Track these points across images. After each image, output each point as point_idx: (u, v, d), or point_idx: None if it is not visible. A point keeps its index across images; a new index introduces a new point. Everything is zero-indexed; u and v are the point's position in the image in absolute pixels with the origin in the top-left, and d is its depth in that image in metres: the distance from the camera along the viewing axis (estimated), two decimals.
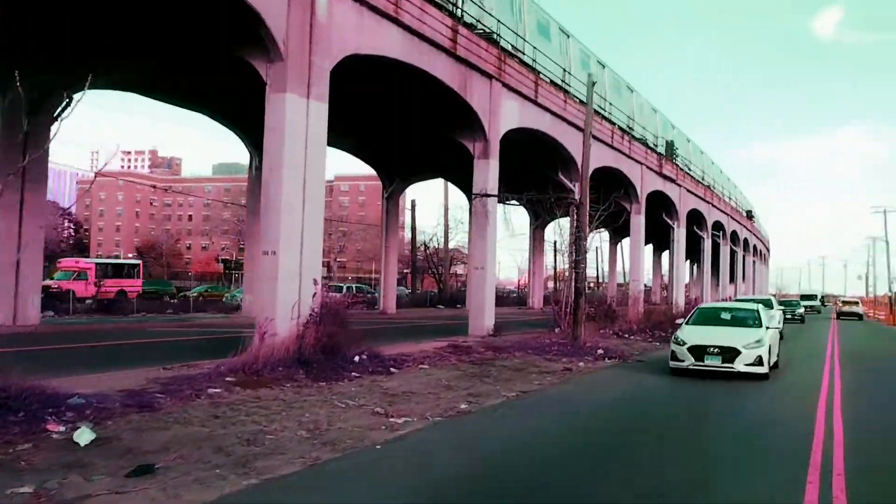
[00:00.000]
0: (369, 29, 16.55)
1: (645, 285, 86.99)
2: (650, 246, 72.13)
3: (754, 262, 76.82)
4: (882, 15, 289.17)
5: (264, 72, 14.19)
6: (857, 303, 66.02)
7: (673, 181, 40.64)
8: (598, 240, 71.77)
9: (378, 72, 19.11)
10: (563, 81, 27.53)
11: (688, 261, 74.48)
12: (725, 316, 16.43)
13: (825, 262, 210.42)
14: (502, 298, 66.55)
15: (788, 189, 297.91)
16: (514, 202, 37.09)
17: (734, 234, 61.11)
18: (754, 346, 14.24)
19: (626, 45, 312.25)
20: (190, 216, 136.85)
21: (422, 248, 63.62)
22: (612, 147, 31.48)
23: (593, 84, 21.29)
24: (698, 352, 14.25)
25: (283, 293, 13.64)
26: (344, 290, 52.29)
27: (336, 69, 15.57)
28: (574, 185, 28.65)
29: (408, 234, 62.85)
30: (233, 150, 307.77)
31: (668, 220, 42.43)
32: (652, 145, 37.84)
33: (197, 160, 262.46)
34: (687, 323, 16.52)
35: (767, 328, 15.37)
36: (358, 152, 36.21)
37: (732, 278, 69.18)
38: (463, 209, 49.67)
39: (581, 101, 26.81)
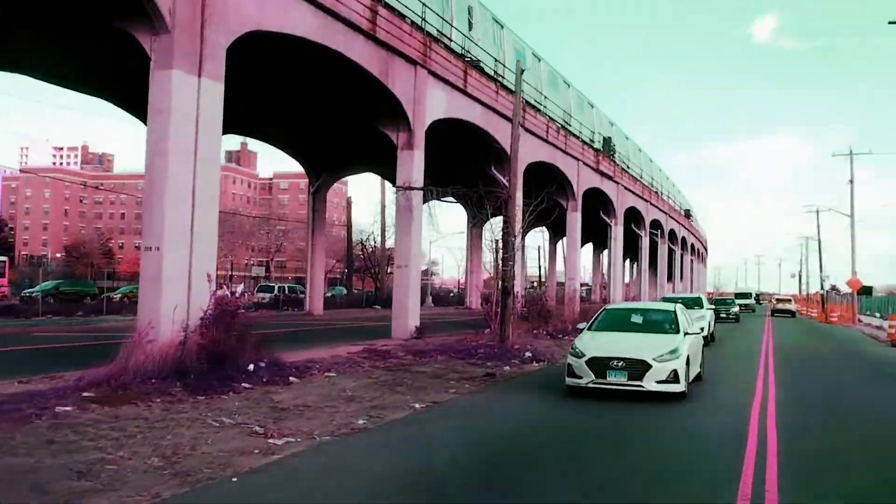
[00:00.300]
0: (275, 3, 15.10)
1: (586, 284, 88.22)
2: (590, 244, 72.33)
3: (692, 260, 77.58)
4: (814, 23, 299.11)
5: (148, 46, 12.64)
6: (790, 300, 69.49)
7: (610, 178, 40.13)
8: (541, 238, 71.86)
9: (293, 53, 17.63)
10: (495, 73, 26.46)
11: (627, 259, 74.94)
12: (636, 319, 13.38)
13: (760, 261, 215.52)
14: (442, 298, 65.83)
15: (727, 190, 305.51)
16: (448, 199, 35.92)
17: (672, 232, 61.38)
18: (668, 357, 11.43)
19: (568, 45, 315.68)
20: (123, 214, 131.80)
21: (360, 247, 61.96)
22: (546, 142, 30.61)
23: (522, 72, 20.23)
24: (599, 366, 11.43)
25: (167, 294, 12.13)
26: (276, 290, 50.43)
27: (246, 49, 14.11)
28: (507, 180, 27.70)
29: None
30: None
31: (606, 218, 41.93)
32: (589, 140, 37.20)
33: (130, 156, 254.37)
34: (590, 328, 13.43)
35: (687, 334, 12.65)
36: (281, 143, 34.40)
37: (671, 277, 69.72)
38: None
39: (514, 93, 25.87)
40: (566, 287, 35.71)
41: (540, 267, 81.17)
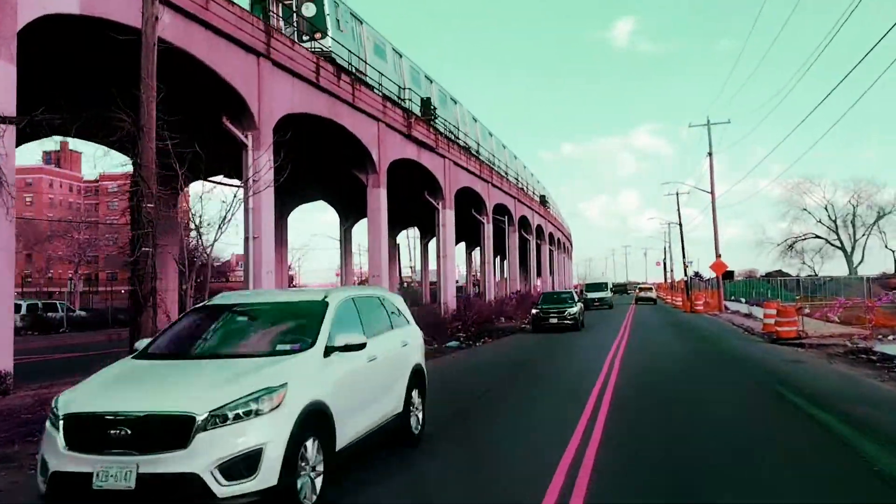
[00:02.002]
0: None
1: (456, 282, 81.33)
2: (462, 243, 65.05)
3: (551, 250, 71.84)
4: (669, 26, 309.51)
5: None
6: (651, 289, 74.32)
7: (431, 149, 32.22)
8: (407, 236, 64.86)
9: None
10: None
11: (498, 257, 68.54)
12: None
13: (628, 251, 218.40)
14: None
15: (593, 186, 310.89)
16: None
17: (525, 220, 54.64)
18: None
19: (442, 44, 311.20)
20: None
21: None
22: (318, 86, 22.14)
23: None
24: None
25: None
26: (24, 308, 39.32)
27: None
28: (247, 136, 19.02)
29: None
30: None
31: (432, 201, 34.07)
32: (397, 99, 29.09)
33: None
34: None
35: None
36: None
37: (539, 272, 64.02)
38: None
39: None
40: (370, 284, 27.42)
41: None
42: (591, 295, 52.55)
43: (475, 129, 43.20)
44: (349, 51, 24.89)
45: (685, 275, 61.35)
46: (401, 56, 31.11)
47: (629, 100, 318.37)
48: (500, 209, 46.90)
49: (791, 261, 76.41)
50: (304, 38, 23.02)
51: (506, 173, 49.38)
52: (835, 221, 73.96)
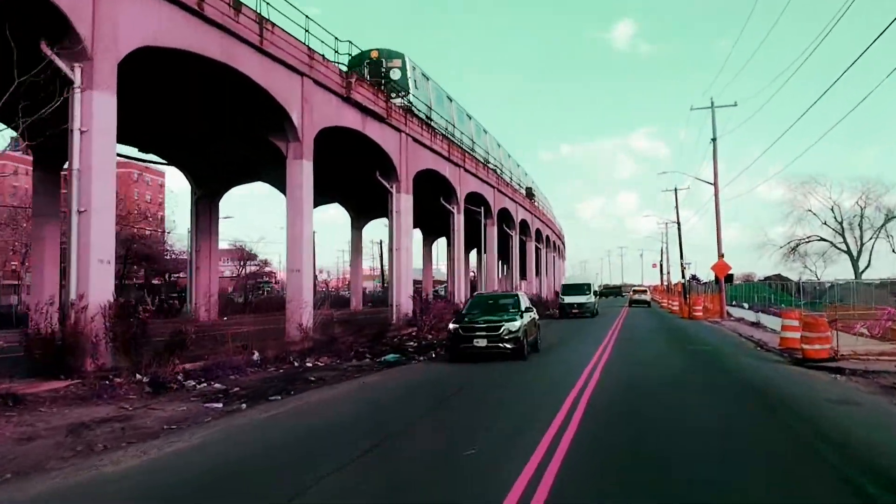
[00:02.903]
0: None
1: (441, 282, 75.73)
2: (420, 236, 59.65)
3: (538, 248, 66.47)
4: (669, 28, 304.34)
5: None
6: (645, 291, 73.02)
7: (382, 120, 26.81)
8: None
9: None
10: None
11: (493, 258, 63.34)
12: None
13: (624, 252, 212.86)
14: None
15: (591, 188, 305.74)
16: None
17: (506, 213, 49.19)
18: None
19: (429, 50, 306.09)
20: None
21: None
22: (202, 16, 16.76)
23: None
24: None
25: None
26: None
27: None
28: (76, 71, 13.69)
29: None
30: None
31: (385, 182, 28.69)
32: (334, 51, 23.70)
33: None
34: None
35: None
36: None
37: (513, 268, 58.52)
38: None
39: None
40: (288, 285, 21.84)
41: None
42: (567, 299, 43.32)
43: (450, 109, 37.79)
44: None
45: (683, 277, 56.25)
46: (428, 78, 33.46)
47: (628, 102, 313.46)
48: (477, 199, 41.49)
49: (792, 265, 70.98)
50: (393, 95, 28.59)
51: (485, 161, 43.99)
52: (841, 224, 68.83)
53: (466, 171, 38.01)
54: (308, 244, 21.83)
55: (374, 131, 26.35)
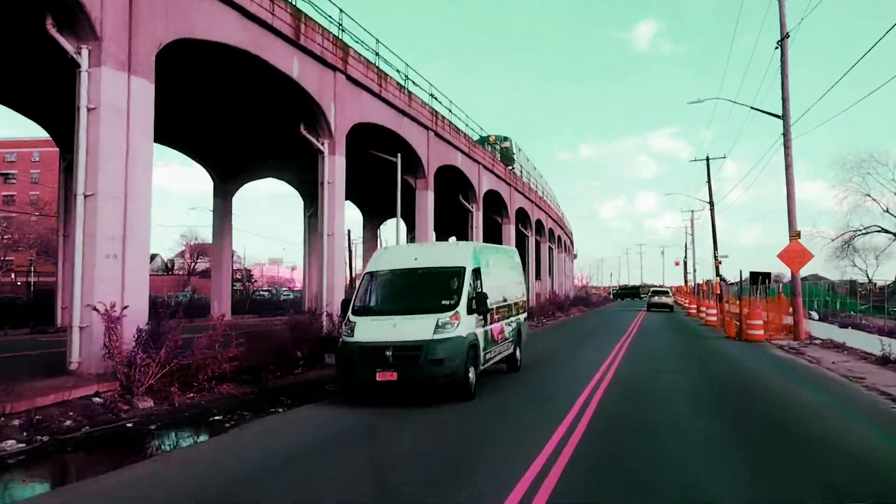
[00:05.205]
0: None
1: None
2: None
3: (550, 247, 65.16)
4: (691, 28, 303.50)
5: None
6: (667, 292, 60.97)
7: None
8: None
9: None
10: None
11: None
12: None
13: (643, 250, 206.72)
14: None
15: (610, 187, 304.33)
16: None
17: (497, 195, 46.56)
18: None
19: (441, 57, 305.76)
20: None
21: None
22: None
23: None
24: None
25: None
26: None
27: None
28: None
29: None
30: None
31: (312, 138, 28.39)
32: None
33: None
34: None
35: None
36: None
37: (528, 270, 57.72)
38: None
39: None
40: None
41: None
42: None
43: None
44: None
45: (717, 274, 44.52)
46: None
47: (648, 102, 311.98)
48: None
49: (839, 263, 57.70)
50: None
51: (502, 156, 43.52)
52: None
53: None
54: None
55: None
